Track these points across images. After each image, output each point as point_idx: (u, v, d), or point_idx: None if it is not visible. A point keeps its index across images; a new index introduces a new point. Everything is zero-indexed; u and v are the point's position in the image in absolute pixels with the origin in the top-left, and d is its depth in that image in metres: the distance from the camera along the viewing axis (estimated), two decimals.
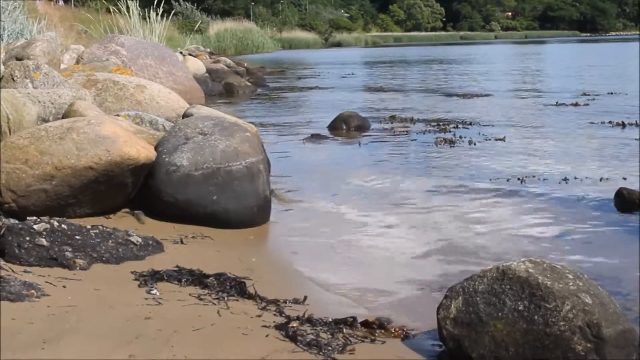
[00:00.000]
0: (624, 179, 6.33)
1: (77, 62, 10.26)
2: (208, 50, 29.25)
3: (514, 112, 12.00)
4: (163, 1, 16.95)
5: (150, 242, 3.98)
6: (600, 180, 6.35)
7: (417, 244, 4.63)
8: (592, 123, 10.26)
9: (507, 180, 6.42)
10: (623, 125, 9.83)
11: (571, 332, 2.55)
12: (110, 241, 3.82)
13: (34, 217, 3.82)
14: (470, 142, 8.68)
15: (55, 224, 3.75)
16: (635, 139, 8.56)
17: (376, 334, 2.99)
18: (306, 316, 3.04)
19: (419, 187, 6.33)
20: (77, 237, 3.73)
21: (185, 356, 2.53)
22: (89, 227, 3.91)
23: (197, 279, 3.48)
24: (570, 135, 9.30)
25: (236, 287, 3.39)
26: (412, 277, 4.00)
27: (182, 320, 2.89)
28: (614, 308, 2.66)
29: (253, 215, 4.80)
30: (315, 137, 9.33)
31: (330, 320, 3.04)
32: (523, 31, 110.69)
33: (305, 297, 3.38)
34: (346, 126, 10.06)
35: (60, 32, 13.87)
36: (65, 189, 4.31)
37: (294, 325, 2.94)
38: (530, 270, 2.70)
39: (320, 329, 2.93)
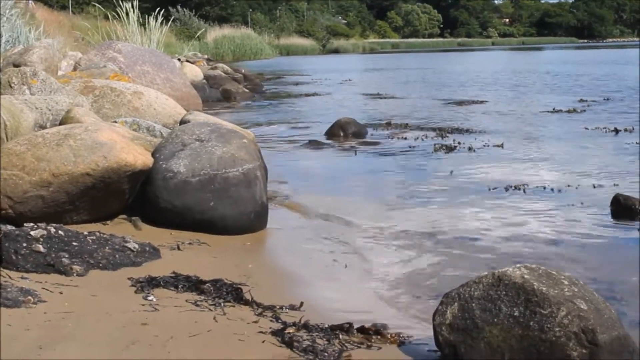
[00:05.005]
0: (616, 185, 6.36)
1: (75, 69, 10.27)
2: (206, 56, 29.29)
3: (510, 119, 12.03)
4: (162, 8, 16.99)
5: (147, 249, 3.99)
6: (596, 187, 6.36)
7: (413, 250, 4.64)
8: (587, 129, 10.30)
9: (505, 187, 6.43)
10: (616, 131, 9.87)
11: (566, 338, 2.56)
12: (107, 247, 3.82)
13: (31, 224, 3.82)
14: (467, 149, 8.70)
15: (52, 230, 3.76)
16: (632, 143, 8.59)
17: (372, 340, 2.99)
18: (302, 322, 3.05)
19: (415, 194, 6.34)
20: (74, 243, 3.73)
21: None
22: (86, 233, 3.92)
23: (194, 285, 3.48)
24: (567, 141, 9.33)
25: (233, 293, 3.40)
26: (408, 283, 4.00)
27: (178, 326, 2.90)
28: (609, 314, 2.67)
29: (250, 221, 4.80)
30: (313, 144, 9.35)
31: (326, 326, 3.04)
32: (520, 37, 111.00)
33: (302, 303, 3.39)
34: (343, 132, 10.08)
35: (58, 39, 13.87)
36: (62, 195, 4.31)
37: (290, 331, 2.94)
38: (526, 276, 2.71)
39: (317, 335, 2.94)
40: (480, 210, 5.68)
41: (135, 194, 4.71)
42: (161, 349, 2.64)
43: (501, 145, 8.86)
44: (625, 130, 9.92)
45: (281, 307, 3.31)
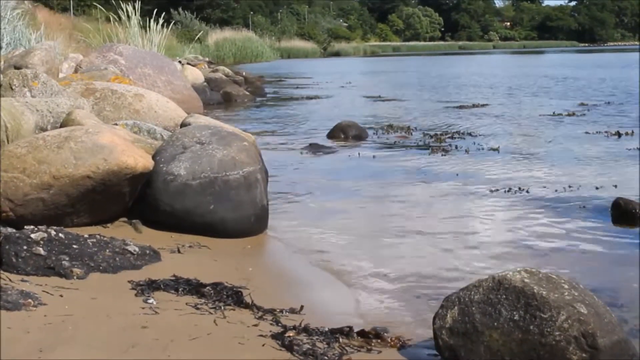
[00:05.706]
0: (615, 186, 6.36)
1: (76, 71, 10.28)
2: (207, 59, 29.32)
3: (510, 123, 12.03)
4: (163, 11, 17.01)
5: (148, 252, 3.99)
6: (597, 190, 6.36)
7: (413, 253, 4.64)
8: (587, 133, 10.30)
9: (504, 191, 6.42)
10: (619, 135, 9.87)
11: (566, 342, 2.56)
12: (107, 250, 3.82)
13: (32, 226, 3.82)
14: (465, 152, 8.71)
15: (53, 233, 3.76)
16: (633, 149, 8.59)
17: (372, 344, 2.99)
18: (302, 325, 3.05)
19: (415, 197, 6.34)
20: (75, 246, 3.73)
21: None
22: (86, 236, 3.92)
23: (194, 288, 3.48)
24: (567, 145, 9.32)
25: (233, 297, 3.40)
26: (408, 287, 4.00)
27: (178, 329, 2.90)
28: (609, 318, 2.67)
29: (250, 224, 4.80)
30: (314, 146, 9.34)
31: (326, 329, 3.04)
32: (521, 41, 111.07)
33: (302, 307, 3.39)
34: (344, 135, 10.10)
35: (60, 41, 13.88)
36: (62, 198, 4.31)
37: (290, 334, 2.94)
38: (526, 280, 2.71)
39: (317, 339, 2.94)
40: (480, 214, 5.67)
41: (135, 197, 4.71)
42: (161, 352, 2.64)
43: (498, 149, 8.87)
44: (627, 134, 9.92)
45: (281, 311, 3.31)
